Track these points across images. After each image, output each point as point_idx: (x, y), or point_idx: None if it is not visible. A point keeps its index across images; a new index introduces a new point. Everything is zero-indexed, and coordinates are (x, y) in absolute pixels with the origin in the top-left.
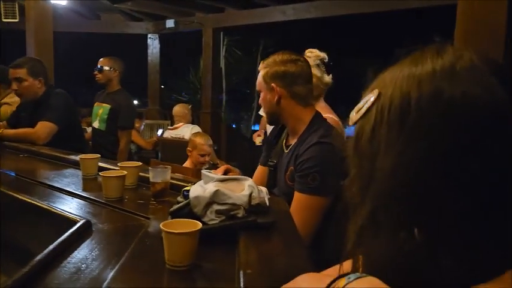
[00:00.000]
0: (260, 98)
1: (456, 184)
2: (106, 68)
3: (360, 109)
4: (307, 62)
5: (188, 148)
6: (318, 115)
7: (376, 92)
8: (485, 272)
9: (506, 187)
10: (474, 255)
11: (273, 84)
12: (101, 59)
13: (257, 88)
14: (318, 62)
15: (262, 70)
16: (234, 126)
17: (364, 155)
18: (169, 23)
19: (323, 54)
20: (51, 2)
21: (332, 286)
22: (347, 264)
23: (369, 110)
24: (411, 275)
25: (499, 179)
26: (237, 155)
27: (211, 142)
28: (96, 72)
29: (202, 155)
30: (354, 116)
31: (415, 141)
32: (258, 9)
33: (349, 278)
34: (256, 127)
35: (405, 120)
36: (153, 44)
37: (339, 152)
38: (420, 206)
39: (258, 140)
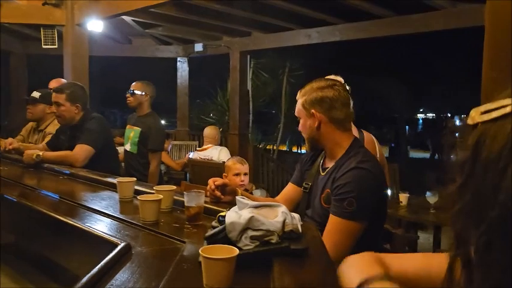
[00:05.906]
0: (300, 125)
1: None
2: (138, 92)
3: (489, 110)
4: (343, 86)
5: (224, 174)
6: (356, 140)
7: None
8: None
9: None
10: None
11: (312, 111)
12: (134, 83)
13: (297, 115)
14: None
15: (300, 98)
16: (260, 147)
17: (490, 166)
18: (198, 47)
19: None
20: (88, 29)
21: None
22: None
23: (505, 116)
24: None
25: None
26: (264, 175)
27: (245, 163)
28: (128, 95)
29: (237, 174)
30: (479, 116)
31: None
32: (283, 33)
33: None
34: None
35: None
36: (182, 67)
37: (376, 178)
38: None
39: None
